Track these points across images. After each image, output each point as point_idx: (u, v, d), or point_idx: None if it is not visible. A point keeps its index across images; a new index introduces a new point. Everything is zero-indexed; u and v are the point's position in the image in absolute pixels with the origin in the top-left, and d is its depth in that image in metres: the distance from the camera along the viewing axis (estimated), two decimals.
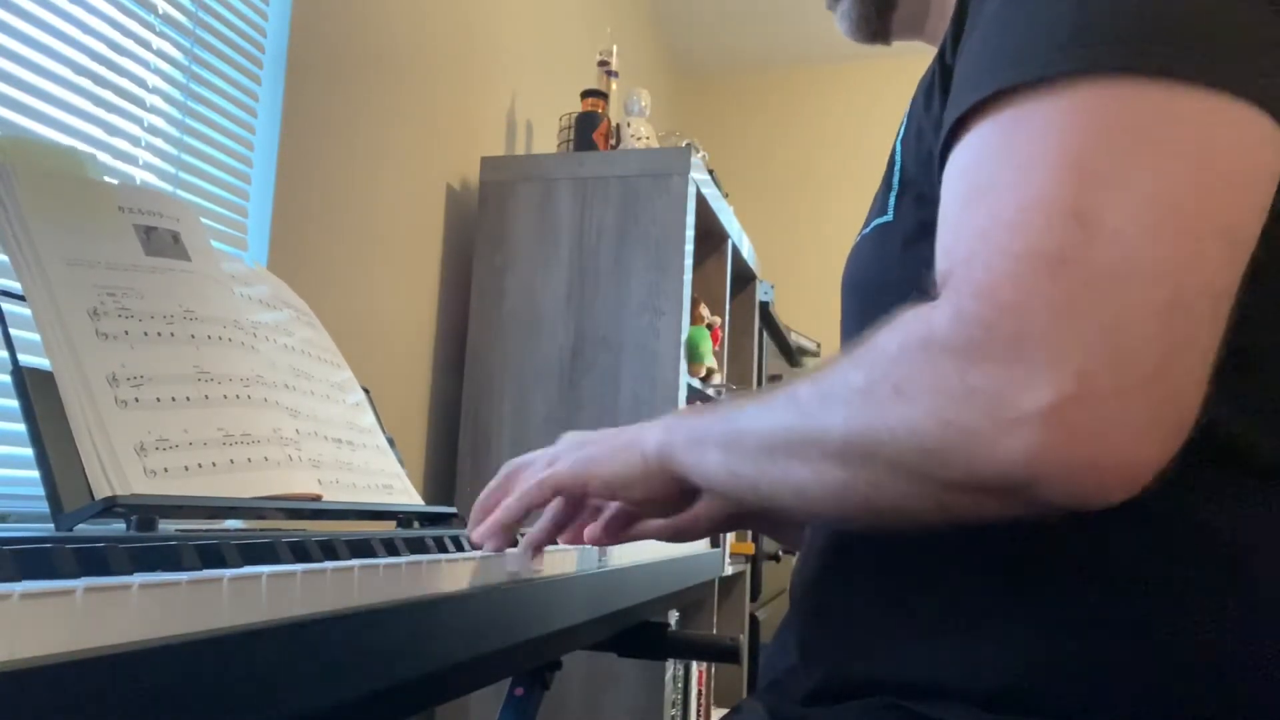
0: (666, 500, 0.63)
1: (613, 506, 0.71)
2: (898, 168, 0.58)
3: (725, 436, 0.54)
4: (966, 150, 0.47)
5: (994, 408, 0.39)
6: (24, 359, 0.67)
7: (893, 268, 0.57)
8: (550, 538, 0.67)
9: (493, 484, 0.71)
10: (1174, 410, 0.39)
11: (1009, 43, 0.46)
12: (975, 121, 0.46)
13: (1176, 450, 0.40)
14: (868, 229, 0.61)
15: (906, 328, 0.44)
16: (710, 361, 2.03)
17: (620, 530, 0.71)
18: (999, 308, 0.40)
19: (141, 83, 1.23)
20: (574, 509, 0.68)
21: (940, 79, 0.53)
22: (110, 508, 0.62)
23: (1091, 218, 0.40)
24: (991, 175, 0.44)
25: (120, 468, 0.67)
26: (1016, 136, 0.44)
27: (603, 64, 2.17)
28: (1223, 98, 0.41)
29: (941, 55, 0.54)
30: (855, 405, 0.44)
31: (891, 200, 0.58)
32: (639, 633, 1.13)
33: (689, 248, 1.88)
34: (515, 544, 0.67)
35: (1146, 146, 0.41)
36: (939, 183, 0.49)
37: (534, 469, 0.68)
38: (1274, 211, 0.43)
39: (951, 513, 0.43)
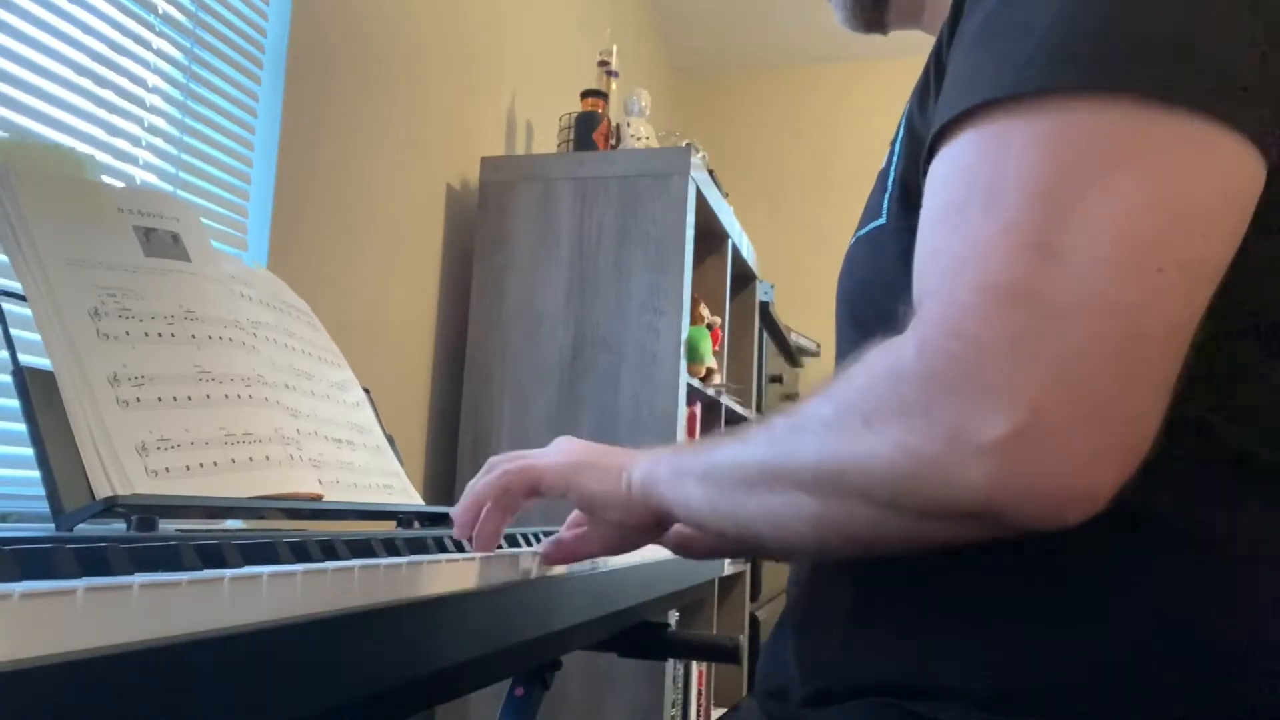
0: (639, 528, 0.64)
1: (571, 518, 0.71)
2: (891, 169, 0.58)
3: (705, 469, 0.55)
4: (944, 163, 0.47)
5: (955, 438, 0.40)
6: (24, 359, 0.67)
7: (886, 271, 0.56)
8: (502, 526, 0.67)
9: (479, 477, 0.70)
10: (1128, 439, 0.40)
11: (994, 54, 0.45)
12: (956, 132, 0.46)
13: (1131, 473, 0.41)
14: (862, 232, 0.60)
15: (876, 360, 0.45)
16: (710, 361, 2.03)
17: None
18: (960, 340, 0.41)
19: (141, 83, 1.23)
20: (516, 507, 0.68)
21: (935, 78, 0.53)
22: (111, 508, 0.62)
23: (1053, 250, 0.40)
24: (963, 196, 0.45)
25: (121, 467, 0.67)
26: (990, 155, 0.44)
27: (603, 64, 2.17)
28: (1202, 122, 0.41)
29: (937, 53, 0.53)
30: (825, 437, 0.46)
31: (885, 203, 0.57)
32: (639, 633, 1.13)
33: (689, 248, 1.88)
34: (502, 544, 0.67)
35: (1116, 173, 0.41)
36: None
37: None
38: (1257, 221, 0.43)
39: (924, 538, 0.45)
